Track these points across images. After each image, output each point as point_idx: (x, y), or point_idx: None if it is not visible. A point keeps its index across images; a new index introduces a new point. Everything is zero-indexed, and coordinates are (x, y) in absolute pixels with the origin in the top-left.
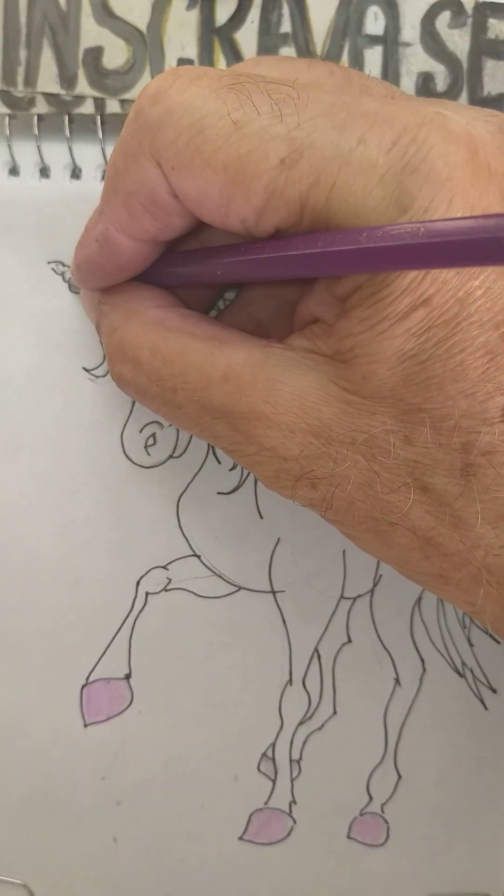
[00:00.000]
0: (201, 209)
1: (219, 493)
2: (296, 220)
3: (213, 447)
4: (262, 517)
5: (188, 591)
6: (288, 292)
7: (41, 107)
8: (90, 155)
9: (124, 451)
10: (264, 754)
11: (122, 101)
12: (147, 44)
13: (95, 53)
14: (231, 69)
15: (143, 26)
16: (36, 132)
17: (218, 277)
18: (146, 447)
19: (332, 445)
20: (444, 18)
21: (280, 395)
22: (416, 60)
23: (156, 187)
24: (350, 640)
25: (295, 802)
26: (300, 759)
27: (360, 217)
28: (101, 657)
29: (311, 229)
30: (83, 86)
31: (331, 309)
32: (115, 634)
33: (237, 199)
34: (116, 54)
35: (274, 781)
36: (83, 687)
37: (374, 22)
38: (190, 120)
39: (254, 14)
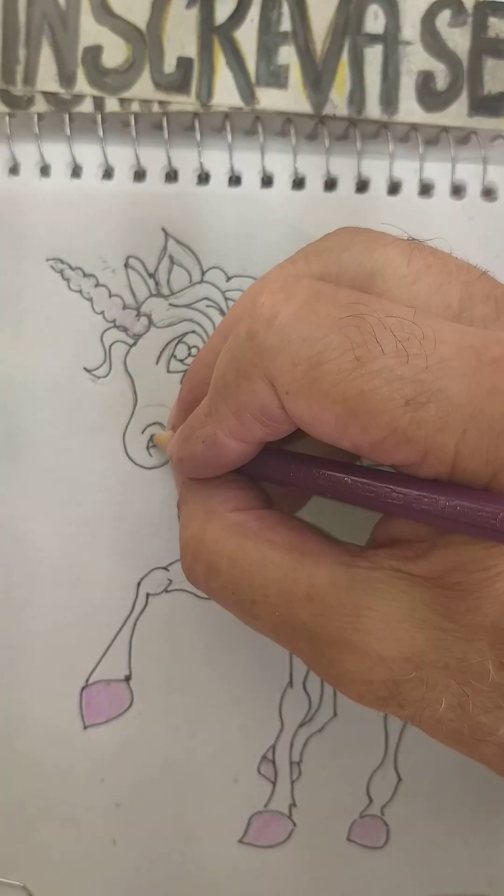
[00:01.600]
0: (312, 430)
1: None
2: (417, 460)
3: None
4: None
5: (189, 592)
6: None
7: (40, 105)
8: (90, 153)
9: (126, 451)
10: (264, 756)
11: (122, 100)
12: (146, 42)
13: (95, 52)
14: (325, 256)
15: (142, 25)
16: (36, 131)
17: (317, 489)
18: (148, 448)
19: (424, 670)
20: (444, 17)
21: (369, 622)
22: (416, 59)
23: (269, 403)
24: None
25: (295, 805)
26: (300, 761)
27: (490, 466)
28: (101, 658)
29: (434, 472)
30: (82, 84)
31: (430, 531)
32: (116, 636)
33: (353, 428)
34: (116, 53)
35: (274, 784)
36: (83, 689)
37: (374, 20)
38: (309, 351)
39: (253, 12)
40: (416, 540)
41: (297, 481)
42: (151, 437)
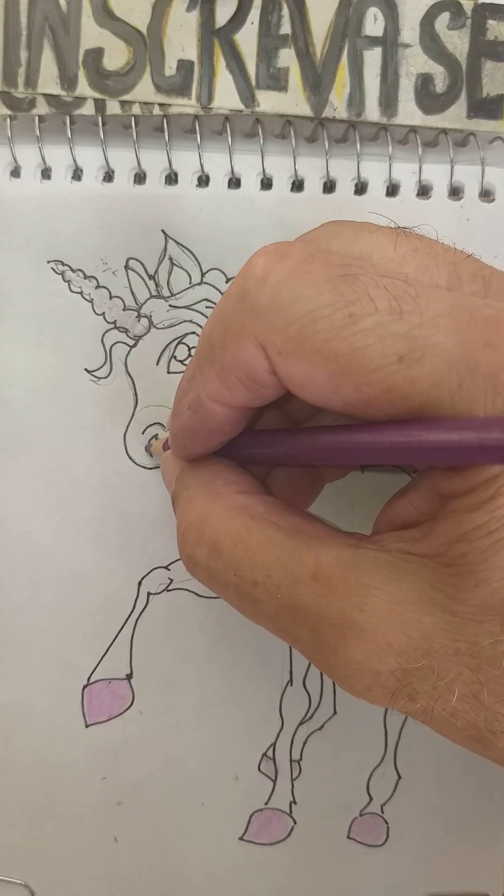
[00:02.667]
0: (303, 391)
1: None
2: (412, 416)
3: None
4: None
5: (189, 591)
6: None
7: (42, 108)
8: (91, 156)
9: (127, 452)
10: (265, 754)
11: (123, 103)
12: (147, 45)
13: (96, 55)
14: (315, 239)
15: (143, 28)
16: (37, 133)
17: (316, 458)
18: (148, 448)
19: (434, 658)
20: (443, 20)
21: (376, 602)
22: (415, 62)
23: (255, 366)
24: None
25: (295, 802)
26: (300, 759)
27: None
28: (102, 657)
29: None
30: (83, 87)
31: (433, 507)
32: (117, 634)
33: (346, 387)
34: (117, 56)
35: (274, 781)
36: (84, 687)
37: (374, 23)
38: (303, 309)
39: (254, 15)
40: (421, 520)
41: (295, 451)
42: (150, 441)
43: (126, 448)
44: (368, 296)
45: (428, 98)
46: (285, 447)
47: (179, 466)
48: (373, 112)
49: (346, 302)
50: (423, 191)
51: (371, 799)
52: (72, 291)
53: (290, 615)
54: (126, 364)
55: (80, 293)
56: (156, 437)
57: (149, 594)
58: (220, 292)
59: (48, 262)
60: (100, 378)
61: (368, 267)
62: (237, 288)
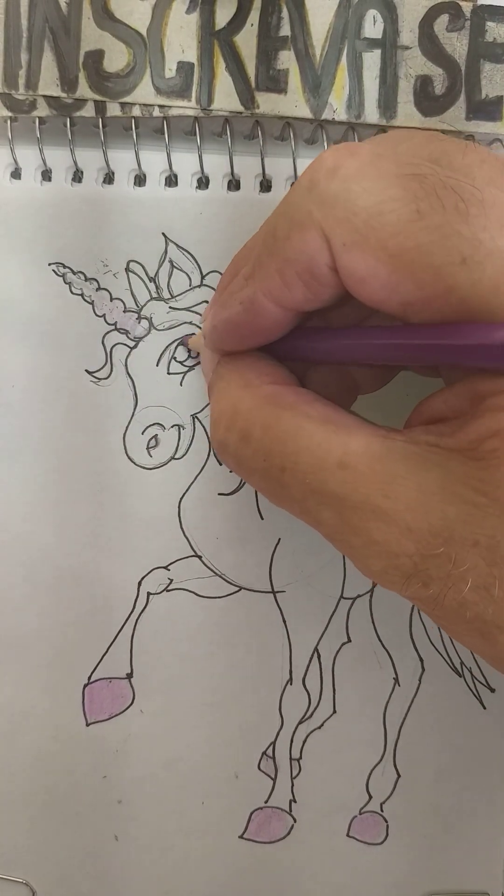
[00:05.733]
0: (362, 287)
1: (220, 493)
2: (466, 317)
3: (214, 449)
4: (262, 518)
5: (189, 591)
6: None
7: (42, 110)
8: (91, 158)
9: (126, 452)
10: (265, 753)
11: (123, 105)
12: (147, 47)
13: (96, 57)
14: (384, 143)
15: (143, 29)
16: (38, 135)
17: (361, 357)
18: (148, 449)
19: (453, 546)
20: (442, 21)
21: (401, 490)
22: (414, 64)
23: (317, 259)
24: (350, 640)
25: (295, 801)
26: (300, 757)
27: None
28: (102, 657)
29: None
30: (84, 89)
31: (466, 406)
32: (117, 634)
33: (407, 284)
34: (117, 57)
35: (274, 780)
36: (85, 686)
37: (373, 25)
38: (370, 201)
39: (253, 17)
40: (453, 417)
41: (345, 350)
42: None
43: (126, 448)
44: (436, 194)
45: (427, 100)
46: (334, 344)
47: (216, 358)
48: (372, 114)
49: (414, 198)
50: None
51: (370, 797)
52: (73, 293)
53: (317, 499)
54: (126, 365)
55: (81, 295)
56: (154, 438)
57: (149, 594)
58: None
59: (49, 264)
60: (100, 379)
61: (437, 168)
62: (306, 179)
